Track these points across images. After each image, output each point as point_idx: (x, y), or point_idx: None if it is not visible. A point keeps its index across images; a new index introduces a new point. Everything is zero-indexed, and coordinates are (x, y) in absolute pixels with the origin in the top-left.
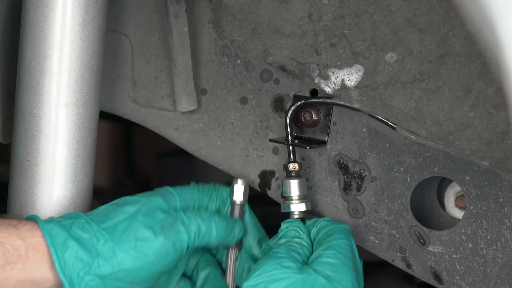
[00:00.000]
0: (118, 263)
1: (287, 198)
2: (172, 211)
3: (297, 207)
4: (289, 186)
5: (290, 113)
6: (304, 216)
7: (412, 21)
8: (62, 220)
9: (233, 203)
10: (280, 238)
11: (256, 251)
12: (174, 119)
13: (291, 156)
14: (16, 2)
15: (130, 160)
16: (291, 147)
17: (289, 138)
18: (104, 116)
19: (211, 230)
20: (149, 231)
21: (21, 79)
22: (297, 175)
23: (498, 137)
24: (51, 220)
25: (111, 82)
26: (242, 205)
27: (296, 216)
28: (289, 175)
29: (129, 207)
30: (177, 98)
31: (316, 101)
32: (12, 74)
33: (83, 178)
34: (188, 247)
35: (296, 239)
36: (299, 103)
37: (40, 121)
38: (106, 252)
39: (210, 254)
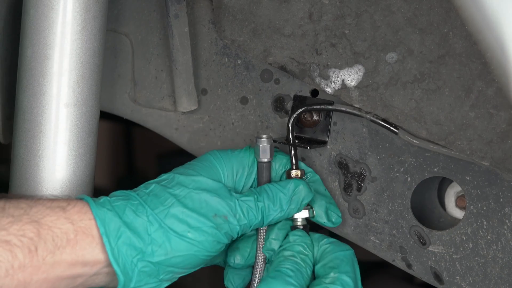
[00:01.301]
0: (172, 249)
1: None
2: (226, 193)
3: (300, 214)
4: None
5: (292, 120)
6: (307, 223)
7: (413, 21)
8: (114, 201)
9: (261, 162)
10: (286, 249)
11: (324, 219)
12: (175, 119)
13: (293, 162)
14: (17, 2)
15: (130, 160)
16: (293, 153)
17: (291, 140)
18: (104, 116)
19: (262, 222)
20: (201, 219)
21: (22, 79)
22: None
23: (498, 137)
24: (103, 202)
25: (111, 82)
26: (269, 163)
27: (299, 222)
28: None
29: (179, 189)
30: (177, 98)
31: (317, 108)
32: (12, 74)
33: (84, 178)
34: (238, 234)
35: (301, 255)
36: (301, 110)
37: (41, 121)
38: (160, 238)
39: None
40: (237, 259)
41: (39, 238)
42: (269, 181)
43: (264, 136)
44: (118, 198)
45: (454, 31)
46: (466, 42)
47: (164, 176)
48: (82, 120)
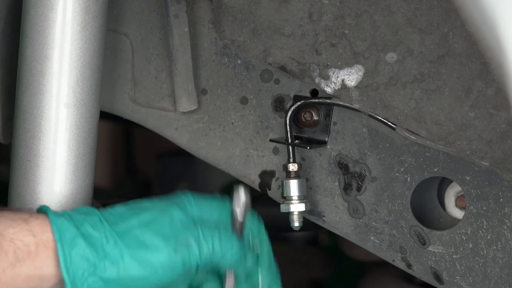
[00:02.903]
0: (124, 268)
1: (286, 198)
2: (190, 223)
3: (297, 207)
4: (289, 187)
5: (289, 113)
6: (303, 216)
7: (413, 21)
8: (74, 214)
9: (235, 218)
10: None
11: None
12: (175, 119)
13: (291, 156)
14: (17, 2)
15: (130, 160)
16: (290, 148)
17: (289, 138)
18: (104, 116)
19: (226, 255)
20: (160, 241)
21: (22, 79)
22: (297, 176)
23: (498, 137)
24: (62, 214)
25: (111, 82)
26: (242, 222)
27: (295, 216)
28: (288, 175)
29: (145, 213)
30: (177, 98)
31: (315, 101)
32: (12, 74)
33: (84, 178)
34: (197, 266)
35: None
36: (298, 103)
37: (41, 121)
38: (114, 255)
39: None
40: None
41: (0, 249)
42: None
43: (242, 190)
44: (78, 212)
45: (454, 31)
46: (466, 42)
47: (131, 201)
48: (82, 120)
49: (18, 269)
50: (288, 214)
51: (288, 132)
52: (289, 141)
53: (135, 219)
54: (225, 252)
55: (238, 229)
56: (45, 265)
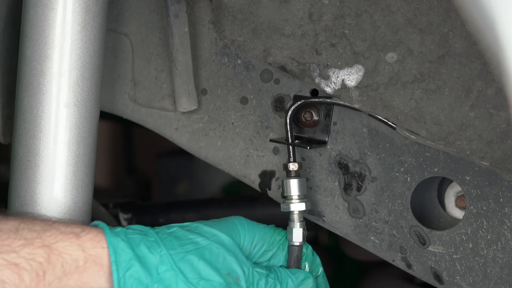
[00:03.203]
0: None
1: (286, 198)
2: (243, 258)
3: (297, 207)
4: (289, 186)
5: (290, 113)
6: (304, 216)
7: (413, 21)
8: (131, 233)
9: (292, 245)
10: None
11: None
12: (175, 119)
13: (291, 155)
14: (17, 2)
15: (130, 160)
16: (291, 147)
17: (289, 138)
18: (104, 116)
19: None
20: (214, 274)
21: (22, 79)
22: (297, 175)
23: (498, 137)
24: (119, 232)
25: (111, 82)
26: (300, 247)
27: (296, 216)
28: (289, 175)
29: (201, 238)
30: (177, 98)
31: (316, 101)
32: (12, 74)
33: (84, 178)
34: None
35: None
36: (298, 102)
37: (41, 121)
38: (168, 279)
39: None
40: None
41: (48, 263)
42: (299, 266)
43: (297, 220)
44: (135, 231)
45: (454, 31)
46: (466, 42)
47: (188, 223)
48: (82, 120)
49: (64, 283)
50: (289, 213)
51: (288, 132)
52: (290, 141)
53: (191, 245)
54: None
55: (294, 265)
56: (93, 281)
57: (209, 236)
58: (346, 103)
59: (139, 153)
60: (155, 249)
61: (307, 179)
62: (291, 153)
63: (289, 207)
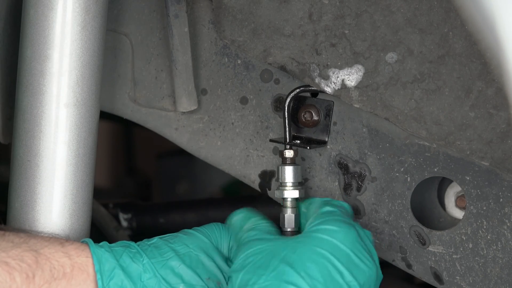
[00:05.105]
0: None
1: (281, 184)
2: (223, 263)
3: (290, 194)
4: (284, 173)
5: (290, 97)
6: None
7: (413, 21)
8: (114, 246)
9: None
10: None
11: None
12: (175, 119)
13: (287, 140)
14: (17, 2)
15: (130, 160)
16: (287, 133)
17: (286, 119)
18: (104, 116)
19: None
20: (195, 277)
21: (22, 79)
22: (292, 162)
23: (498, 137)
24: (102, 245)
25: (111, 82)
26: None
27: (288, 202)
28: (284, 161)
29: (180, 246)
30: (177, 98)
31: (315, 89)
32: (12, 74)
33: (83, 178)
34: None
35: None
36: (302, 87)
37: (41, 121)
38: (151, 287)
39: None
40: None
41: (37, 266)
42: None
43: (290, 207)
44: (117, 244)
45: (454, 31)
46: (466, 42)
47: (168, 234)
48: (82, 120)
49: None
50: (282, 200)
51: (286, 117)
52: (287, 126)
53: (171, 252)
54: None
55: None
56: None
57: (188, 243)
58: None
59: (139, 153)
60: (137, 259)
61: (307, 179)
62: (287, 139)
63: (282, 194)
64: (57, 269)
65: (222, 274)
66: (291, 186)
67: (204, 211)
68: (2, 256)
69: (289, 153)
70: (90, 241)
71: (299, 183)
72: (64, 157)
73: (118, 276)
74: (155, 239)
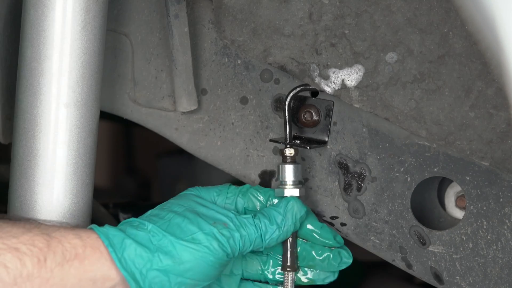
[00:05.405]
0: (178, 255)
1: (281, 183)
2: (221, 209)
3: (291, 192)
4: (284, 171)
5: (289, 99)
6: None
7: (413, 21)
8: (115, 226)
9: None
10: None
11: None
12: (174, 119)
13: (287, 139)
14: (17, 2)
15: (130, 160)
16: (288, 132)
17: (286, 117)
18: (104, 116)
19: (261, 240)
20: (203, 224)
21: (22, 79)
22: (293, 161)
23: (498, 137)
24: (106, 226)
25: (111, 82)
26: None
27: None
28: (284, 160)
29: (176, 207)
30: (177, 98)
31: (315, 88)
32: (12, 74)
33: (83, 178)
34: (239, 246)
35: None
36: (302, 86)
37: (41, 121)
38: (165, 245)
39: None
40: None
41: (48, 249)
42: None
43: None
44: (119, 224)
45: (454, 31)
46: (466, 42)
47: (159, 205)
48: (82, 120)
49: (66, 270)
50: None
51: (286, 116)
52: (287, 125)
53: (170, 213)
54: (264, 231)
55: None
56: (95, 267)
57: (182, 203)
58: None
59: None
60: (141, 227)
61: (307, 179)
62: (287, 138)
63: (282, 192)
64: (69, 251)
65: (227, 216)
66: (292, 185)
67: None
68: (13, 242)
69: (289, 151)
70: (93, 225)
71: (300, 182)
72: (64, 157)
73: (130, 246)
74: (150, 211)
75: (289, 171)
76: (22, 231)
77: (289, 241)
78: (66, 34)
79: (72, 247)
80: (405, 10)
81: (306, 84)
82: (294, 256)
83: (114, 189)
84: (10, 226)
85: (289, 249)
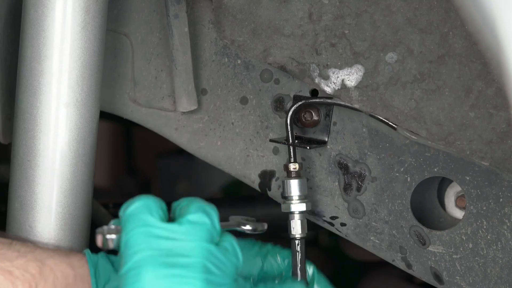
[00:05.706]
0: None
1: (287, 198)
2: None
3: (298, 207)
4: (289, 186)
5: (290, 113)
6: (304, 216)
7: (413, 21)
8: (111, 255)
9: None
10: None
11: None
12: (174, 119)
13: (292, 156)
14: (17, 2)
15: (130, 160)
16: (291, 147)
17: (290, 138)
18: (104, 116)
19: None
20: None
21: (21, 79)
22: (298, 175)
23: (498, 137)
24: (99, 253)
25: (111, 82)
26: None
27: (296, 216)
28: (289, 175)
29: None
30: (177, 98)
31: (316, 101)
32: (12, 74)
33: (83, 178)
34: None
35: None
36: (300, 103)
37: (40, 121)
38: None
39: None
40: None
41: (40, 276)
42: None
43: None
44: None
45: (454, 31)
46: (466, 42)
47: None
48: (82, 120)
49: None
50: (289, 214)
51: (289, 132)
52: (290, 141)
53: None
54: None
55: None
56: None
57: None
58: (346, 104)
59: (139, 153)
60: None
61: (307, 179)
62: (291, 153)
63: (289, 208)
64: (59, 280)
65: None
66: (298, 200)
67: None
68: (6, 265)
69: (294, 166)
70: (87, 250)
71: (305, 196)
72: (64, 157)
73: (114, 280)
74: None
75: (294, 186)
76: (17, 255)
77: (298, 255)
78: (66, 34)
79: (63, 276)
80: (405, 10)
81: (307, 98)
82: (304, 271)
83: (114, 189)
84: (5, 248)
85: (299, 265)
